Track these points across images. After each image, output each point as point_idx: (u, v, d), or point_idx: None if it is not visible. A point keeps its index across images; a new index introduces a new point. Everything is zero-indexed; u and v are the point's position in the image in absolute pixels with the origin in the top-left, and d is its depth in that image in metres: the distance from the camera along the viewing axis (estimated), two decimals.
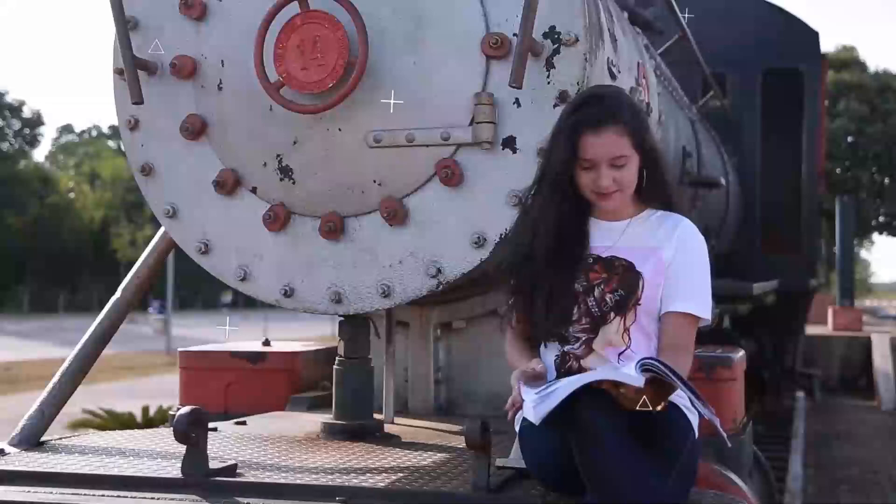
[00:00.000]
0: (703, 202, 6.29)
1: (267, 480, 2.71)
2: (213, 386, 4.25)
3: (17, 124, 52.20)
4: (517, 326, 2.65)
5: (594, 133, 2.48)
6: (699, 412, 2.31)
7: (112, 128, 64.89)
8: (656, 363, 2.25)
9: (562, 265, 2.53)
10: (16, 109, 51.77)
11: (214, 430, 3.32)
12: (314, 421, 3.60)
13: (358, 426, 3.39)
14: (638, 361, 2.26)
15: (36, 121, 53.19)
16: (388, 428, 3.50)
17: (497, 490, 2.56)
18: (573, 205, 2.56)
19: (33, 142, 54.04)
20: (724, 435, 2.32)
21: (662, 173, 2.63)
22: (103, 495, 2.63)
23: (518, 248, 2.62)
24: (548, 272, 2.52)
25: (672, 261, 2.54)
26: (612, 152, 2.49)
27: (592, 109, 2.51)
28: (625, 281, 2.53)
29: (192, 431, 2.66)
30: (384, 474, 2.79)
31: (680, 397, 2.34)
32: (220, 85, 3.36)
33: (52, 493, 2.68)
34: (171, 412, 4.46)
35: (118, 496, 2.62)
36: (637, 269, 2.53)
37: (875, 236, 38.97)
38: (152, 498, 2.61)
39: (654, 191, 2.62)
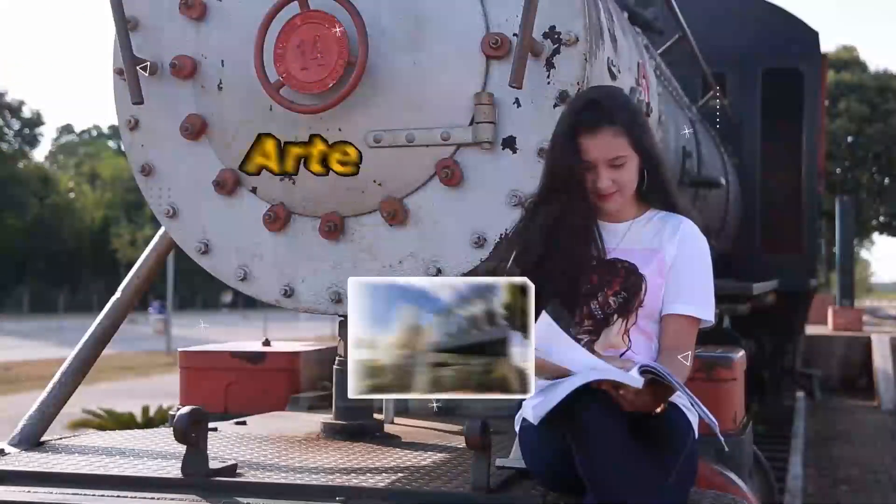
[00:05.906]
0: (704, 202, 6.28)
1: (267, 480, 2.71)
2: (213, 386, 4.26)
3: (17, 124, 52.16)
4: None
5: (591, 134, 2.48)
6: (699, 413, 2.31)
7: (112, 128, 64.90)
8: (657, 368, 2.24)
9: (570, 269, 2.52)
10: (16, 109, 51.72)
11: (214, 430, 3.33)
12: (314, 421, 3.60)
13: (358, 426, 3.39)
14: (639, 366, 2.25)
15: (36, 121, 53.16)
16: (388, 428, 3.50)
17: (497, 490, 2.56)
18: (581, 207, 2.55)
19: (33, 142, 54.02)
20: (722, 439, 2.32)
21: (663, 174, 2.62)
22: (103, 495, 2.63)
23: (524, 253, 2.57)
24: (556, 276, 2.49)
25: (674, 262, 2.53)
26: (609, 153, 2.49)
27: (588, 111, 2.51)
28: (628, 283, 2.52)
29: (192, 431, 2.66)
30: (384, 474, 2.79)
31: (680, 397, 2.34)
32: (220, 85, 3.36)
33: (52, 493, 2.68)
34: (171, 412, 4.46)
35: (118, 496, 2.62)
36: (640, 271, 2.52)
37: (875, 236, 38.96)
38: (152, 498, 2.61)
39: (655, 192, 2.61)
